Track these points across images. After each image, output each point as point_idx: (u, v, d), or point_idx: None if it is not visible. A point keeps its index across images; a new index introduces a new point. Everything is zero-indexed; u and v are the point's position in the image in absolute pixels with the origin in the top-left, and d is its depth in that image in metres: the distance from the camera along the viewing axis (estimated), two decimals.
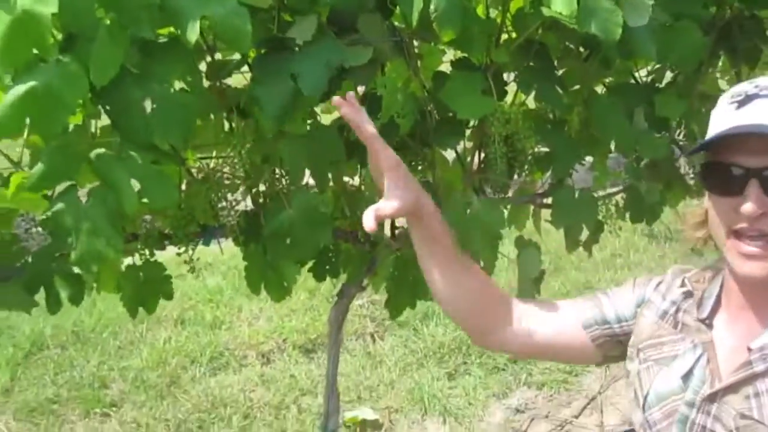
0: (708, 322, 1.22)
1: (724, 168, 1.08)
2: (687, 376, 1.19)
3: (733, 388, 1.12)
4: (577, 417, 3.13)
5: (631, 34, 1.45)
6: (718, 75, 2.17)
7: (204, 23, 1.24)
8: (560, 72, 1.81)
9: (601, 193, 1.88)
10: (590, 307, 1.37)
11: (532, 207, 1.99)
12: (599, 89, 1.85)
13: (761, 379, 1.10)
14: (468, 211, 1.48)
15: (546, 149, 1.72)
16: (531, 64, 1.63)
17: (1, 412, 3.38)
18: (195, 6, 1.20)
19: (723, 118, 1.11)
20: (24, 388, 3.56)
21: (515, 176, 1.73)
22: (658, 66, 1.96)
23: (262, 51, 1.40)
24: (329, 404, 1.81)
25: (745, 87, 1.11)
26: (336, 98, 1.20)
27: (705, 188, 1.16)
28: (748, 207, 1.04)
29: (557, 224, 1.76)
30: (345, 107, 1.22)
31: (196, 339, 3.95)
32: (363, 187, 1.71)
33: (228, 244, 4.59)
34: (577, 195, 1.74)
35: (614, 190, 1.99)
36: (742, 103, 1.08)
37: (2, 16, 1.13)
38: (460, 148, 1.71)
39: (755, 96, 1.07)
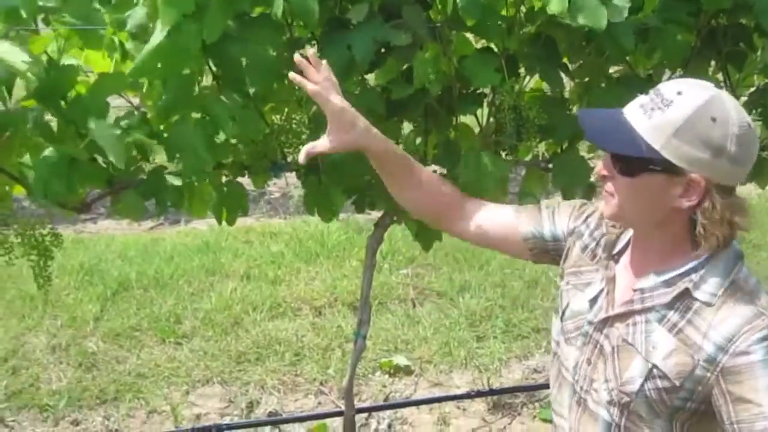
0: (617, 258, 1.45)
1: None
2: (593, 301, 1.43)
3: (619, 318, 1.36)
4: None
5: (614, 29, 1.84)
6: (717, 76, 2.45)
7: (286, 5, 1.69)
8: (574, 66, 2.21)
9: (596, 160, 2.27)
10: (531, 221, 1.62)
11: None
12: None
13: (638, 315, 1.33)
14: (480, 164, 1.93)
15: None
16: (539, 52, 2.04)
17: (91, 335, 3.93)
18: None
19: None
20: (111, 317, 4.10)
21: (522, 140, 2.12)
22: (656, 64, 2.31)
23: (327, 28, 1.86)
24: (362, 314, 2.25)
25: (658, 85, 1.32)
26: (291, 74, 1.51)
27: None
28: (597, 168, 1.35)
29: (555, 184, 2.16)
30: (295, 78, 1.51)
31: (258, 291, 4.43)
32: (400, 142, 2.14)
33: (292, 221, 5.14)
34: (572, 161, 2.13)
35: None
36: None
37: None
38: (479, 115, 2.12)
39: (642, 94, 1.31)
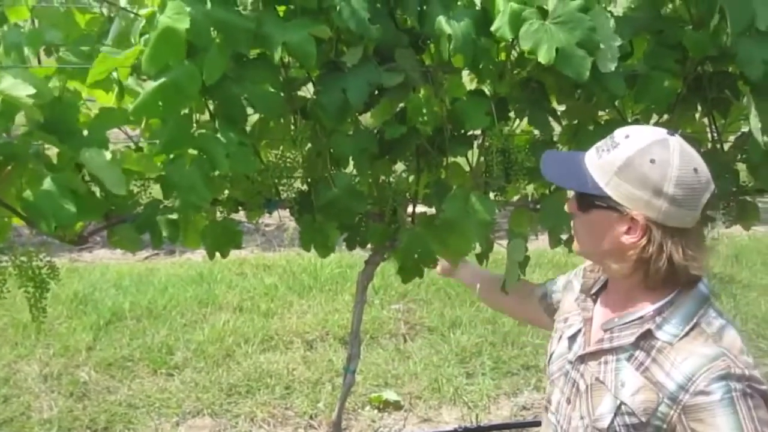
0: (594, 298, 1.55)
1: None
2: (572, 340, 1.54)
3: (592, 356, 1.45)
4: None
5: (605, 77, 1.90)
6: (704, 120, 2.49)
7: (283, 47, 1.75)
8: (561, 108, 2.26)
9: None
10: (544, 285, 1.88)
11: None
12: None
13: (609, 354, 1.41)
14: (466, 203, 1.98)
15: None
16: (528, 96, 2.09)
17: (83, 365, 3.94)
18: (278, 34, 1.73)
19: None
20: (104, 347, 4.11)
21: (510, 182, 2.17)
22: (643, 109, 2.37)
23: (323, 70, 1.92)
24: (352, 349, 2.27)
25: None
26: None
27: None
28: (565, 206, 1.48)
29: (543, 225, 2.20)
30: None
31: (251, 323, 4.44)
32: (392, 182, 2.18)
33: (286, 254, 5.17)
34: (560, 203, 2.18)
35: None
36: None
37: (152, 34, 1.66)
38: (469, 156, 2.17)
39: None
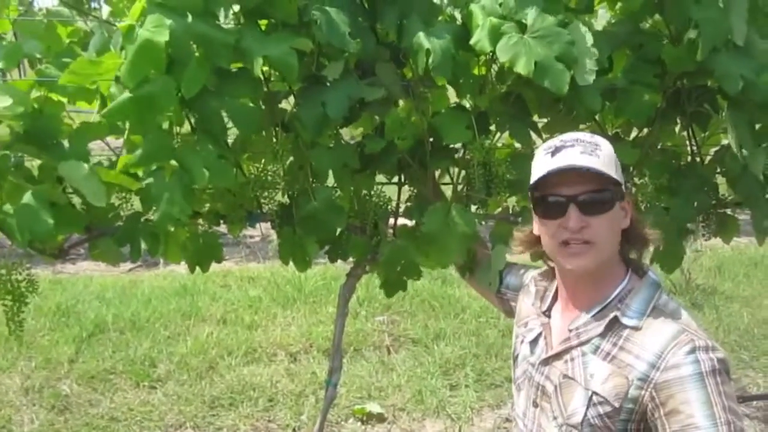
0: (547, 313, 1.58)
1: (550, 199, 1.43)
2: (533, 343, 1.57)
3: (558, 356, 1.48)
4: None
5: (582, 90, 1.92)
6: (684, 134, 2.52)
7: (265, 61, 1.75)
8: (543, 121, 2.27)
9: None
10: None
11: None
12: None
13: (575, 349, 1.45)
14: (447, 216, 1.98)
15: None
16: (509, 109, 2.10)
17: (65, 377, 3.91)
18: (259, 48, 1.73)
19: (542, 165, 1.43)
20: (86, 360, 4.09)
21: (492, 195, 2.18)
22: (623, 123, 2.39)
23: (304, 84, 1.92)
24: (334, 362, 2.27)
25: (555, 142, 1.45)
26: None
27: (538, 216, 1.49)
28: (572, 224, 1.38)
29: None
30: None
31: (234, 336, 4.44)
32: (372, 196, 2.18)
33: (270, 265, 5.18)
34: None
35: None
36: (553, 153, 1.41)
37: (130, 48, 1.66)
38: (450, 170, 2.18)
39: (562, 147, 1.41)
